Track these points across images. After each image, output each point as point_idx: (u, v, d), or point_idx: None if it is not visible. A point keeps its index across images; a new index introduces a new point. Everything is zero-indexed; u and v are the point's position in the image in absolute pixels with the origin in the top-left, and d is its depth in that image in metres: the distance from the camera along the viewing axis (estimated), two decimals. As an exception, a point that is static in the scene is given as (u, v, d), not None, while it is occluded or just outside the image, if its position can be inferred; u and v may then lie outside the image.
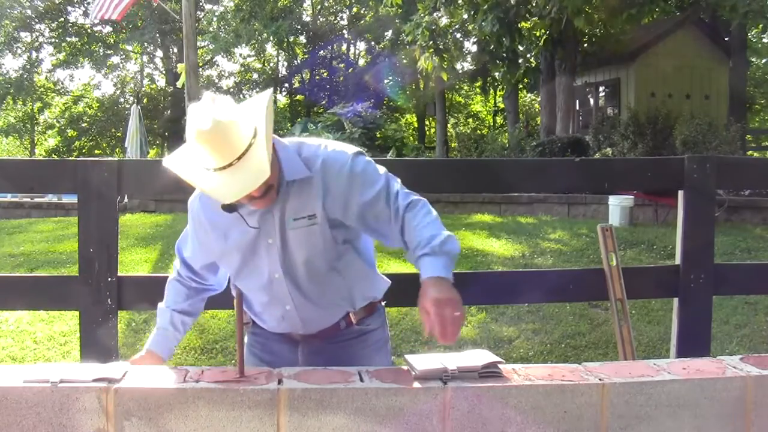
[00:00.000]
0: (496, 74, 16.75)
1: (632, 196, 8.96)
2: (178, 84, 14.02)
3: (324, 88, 24.65)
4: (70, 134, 27.43)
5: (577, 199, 10.15)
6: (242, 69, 28.88)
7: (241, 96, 27.36)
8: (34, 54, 26.79)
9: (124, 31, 25.53)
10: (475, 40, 15.10)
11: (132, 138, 13.65)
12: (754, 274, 2.99)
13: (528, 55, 15.09)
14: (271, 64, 28.15)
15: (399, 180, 1.90)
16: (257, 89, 27.15)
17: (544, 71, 14.20)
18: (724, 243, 6.99)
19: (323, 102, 22.54)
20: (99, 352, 2.39)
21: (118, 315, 2.49)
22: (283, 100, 26.68)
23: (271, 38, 22.23)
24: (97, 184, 2.44)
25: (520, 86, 18.24)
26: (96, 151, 26.34)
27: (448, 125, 23.13)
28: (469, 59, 18.44)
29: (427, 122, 25.64)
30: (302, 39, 25.55)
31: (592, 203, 10.04)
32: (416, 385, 1.55)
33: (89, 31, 26.24)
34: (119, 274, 2.48)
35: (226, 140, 1.63)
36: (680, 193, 2.69)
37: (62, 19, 25.87)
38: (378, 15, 21.51)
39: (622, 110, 14.28)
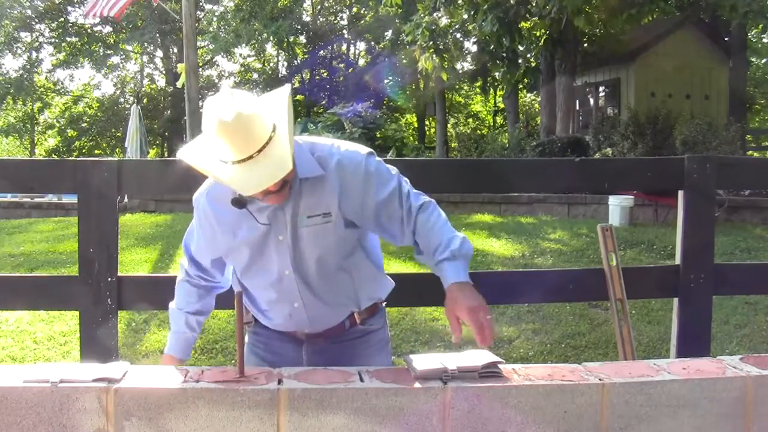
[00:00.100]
0: (496, 74, 16.76)
1: (632, 196, 8.96)
2: (178, 84, 14.03)
3: (324, 88, 24.63)
4: (70, 134, 27.45)
5: (577, 199, 10.15)
6: (242, 69, 28.89)
7: (241, 96, 27.36)
8: (34, 54, 26.83)
9: (124, 31, 25.55)
10: (475, 40, 15.09)
11: (132, 138, 13.65)
12: (754, 274, 2.98)
13: (528, 55, 15.09)
14: (271, 64, 28.16)
15: (408, 180, 1.92)
16: (257, 89, 27.15)
17: (544, 71, 14.20)
18: (724, 243, 6.99)
19: (323, 102, 22.52)
20: (99, 352, 2.39)
21: (118, 315, 2.50)
22: (282, 100, 26.63)
23: (271, 38, 22.23)
24: (97, 184, 2.44)
25: (520, 86, 18.23)
26: (96, 151, 26.35)
27: (448, 125, 23.13)
28: (469, 59, 18.45)
29: (427, 122, 25.64)
30: (302, 39, 25.55)
31: (592, 203, 10.04)
32: (416, 385, 1.55)
33: (89, 31, 26.26)
34: (119, 274, 2.48)
35: (248, 133, 1.63)
36: (680, 193, 2.69)
37: (62, 19, 25.88)
38: (378, 15, 21.52)
39: (622, 110, 14.28)
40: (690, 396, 1.57)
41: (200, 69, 21.67)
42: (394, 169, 1.90)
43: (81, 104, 28.73)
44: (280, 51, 26.38)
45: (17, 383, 1.48)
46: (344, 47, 26.42)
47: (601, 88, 16.06)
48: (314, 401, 1.50)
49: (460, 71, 18.36)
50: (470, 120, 29.22)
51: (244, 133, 1.63)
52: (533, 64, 15.17)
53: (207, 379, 1.54)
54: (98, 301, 2.43)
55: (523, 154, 13.11)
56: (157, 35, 25.04)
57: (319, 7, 25.81)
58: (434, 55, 12.86)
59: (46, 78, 28.35)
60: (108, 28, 26.52)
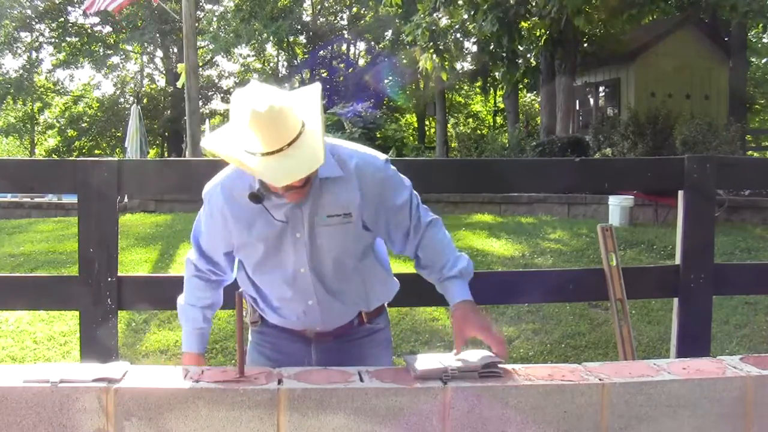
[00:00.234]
0: (496, 74, 16.76)
1: (632, 196, 8.96)
2: (178, 84, 14.02)
3: (324, 88, 24.50)
4: (70, 134, 27.44)
5: (577, 199, 10.15)
6: (242, 69, 28.88)
7: (241, 96, 27.35)
8: (34, 54, 26.81)
9: (124, 31, 25.54)
10: (475, 40, 15.10)
11: (132, 138, 13.65)
12: (754, 274, 2.98)
13: (528, 55, 15.09)
14: (271, 64, 28.14)
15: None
16: (257, 89, 27.08)
17: (544, 71, 14.20)
18: (724, 243, 6.98)
19: (323, 102, 22.46)
20: (99, 352, 2.39)
21: (118, 315, 2.49)
22: (283, 100, 26.63)
23: (271, 38, 22.22)
24: (97, 184, 2.44)
25: (520, 86, 18.24)
26: (96, 151, 26.34)
27: (448, 125, 23.13)
28: (469, 59, 18.46)
29: (427, 122, 25.64)
30: (302, 39, 25.53)
31: (592, 203, 10.04)
32: (416, 385, 1.55)
33: (89, 31, 26.26)
34: (119, 274, 2.47)
35: (280, 125, 1.65)
36: (680, 193, 2.69)
37: (62, 19, 25.86)
38: (378, 15, 21.51)
39: (622, 110, 14.28)
40: (690, 396, 1.57)
41: (200, 69, 21.64)
42: (407, 181, 1.95)
43: (81, 104, 28.72)
44: (280, 51, 26.37)
45: (17, 383, 1.48)
46: (344, 47, 26.40)
47: (601, 88, 16.06)
48: (314, 401, 1.50)
49: (460, 71, 18.37)
50: (470, 120, 29.21)
51: (276, 126, 1.64)
52: (533, 64, 15.17)
53: (207, 379, 1.54)
54: (98, 301, 2.43)
55: (523, 154, 13.11)
56: (157, 35, 25.03)
57: (319, 7, 25.80)
58: (434, 55, 12.86)
59: (46, 78, 28.35)
60: (108, 28, 26.52)
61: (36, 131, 28.80)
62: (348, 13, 26.29)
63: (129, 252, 6.77)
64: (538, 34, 13.43)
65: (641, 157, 10.37)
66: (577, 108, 16.07)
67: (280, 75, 26.66)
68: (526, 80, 16.70)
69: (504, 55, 13.56)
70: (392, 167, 1.93)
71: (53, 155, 26.66)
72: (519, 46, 13.93)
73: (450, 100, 25.46)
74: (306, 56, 25.51)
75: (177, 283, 2.66)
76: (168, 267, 6.35)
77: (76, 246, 2.45)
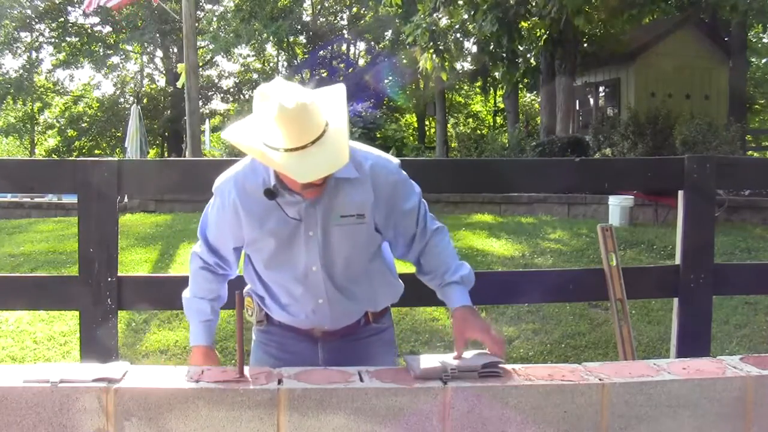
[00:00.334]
0: (496, 74, 16.76)
1: (632, 196, 8.96)
2: (178, 84, 14.03)
3: (324, 89, 24.55)
4: (70, 134, 27.44)
5: (577, 199, 10.15)
6: (242, 69, 28.88)
7: (241, 96, 27.39)
8: (34, 54, 26.81)
9: (124, 31, 25.54)
10: (475, 40, 15.10)
11: (132, 138, 13.65)
12: (754, 274, 2.98)
13: (528, 55, 15.09)
14: (271, 64, 28.14)
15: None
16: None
17: (544, 71, 14.20)
18: (724, 243, 6.98)
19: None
20: (99, 352, 2.39)
21: (118, 315, 2.49)
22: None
23: (271, 38, 22.19)
24: (97, 184, 2.44)
25: (520, 86, 18.23)
26: (96, 151, 26.34)
27: (448, 125, 23.13)
28: (469, 59, 18.46)
29: (427, 122, 25.63)
30: (302, 39, 25.52)
31: (592, 203, 10.04)
32: (416, 385, 1.55)
33: (89, 31, 26.26)
34: (119, 274, 2.48)
35: (307, 122, 1.67)
36: (680, 193, 2.69)
37: (62, 19, 25.86)
38: (378, 15, 21.50)
39: (622, 110, 14.28)
40: (690, 396, 1.57)
41: (200, 69, 21.65)
42: (417, 188, 1.98)
43: (81, 104, 28.72)
44: (280, 51, 26.34)
45: (17, 383, 1.48)
46: (344, 47, 26.40)
47: (601, 88, 16.06)
48: (314, 401, 1.50)
49: (460, 71, 18.37)
50: (470, 120, 29.20)
51: (302, 123, 1.66)
52: (533, 64, 15.17)
53: (207, 379, 1.54)
54: (98, 301, 2.43)
55: (523, 154, 13.11)
56: (157, 35, 25.03)
57: (319, 7, 25.79)
58: (434, 56, 12.87)
59: (46, 78, 28.35)
60: (108, 28, 26.53)
61: (36, 131, 28.80)
62: (348, 13, 26.29)
63: (129, 252, 6.77)
64: (538, 34, 13.43)
65: (641, 157, 10.37)
66: (577, 108, 16.07)
67: (280, 75, 26.68)
68: (526, 80, 16.69)
69: (504, 55, 13.56)
70: (404, 172, 1.95)
71: (53, 155, 26.66)
72: (519, 46, 13.93)
73: (450, 100, 25.46)
74: (306, 56, 25.49)
75: (177, 283, 2.66)
76: (168, 267, 6.36)
77: (76, 246, 2.45)
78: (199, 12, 23.36)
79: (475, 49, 17.03)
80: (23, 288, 2.62)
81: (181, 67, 13.07)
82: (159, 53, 28.06)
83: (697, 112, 12.51)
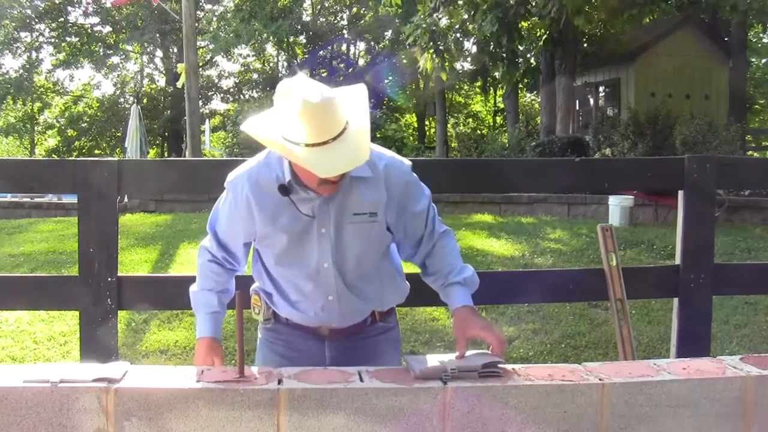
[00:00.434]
0: (496, 74, 16.77)
1: (632, 196, 8.96)
2: (178, 84, 14.04)
3: (324, 89, 24.53)
4: (70, 134, 27.44)
5: (577, 199, 10.15)
6: (242, 69, 28.88)
7: (241, 96, 27.39)
8: (34, 54, 26.81)
9: (124, 31, 25.53)
10: (475, 40, 15.10)
11: (132, 138, 13.65)
12: (754, 274, 2.98)
13: (528, 55, 15.09)
14: (271, 64, 28.14)
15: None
16: (257, 89, 27.14)
17: (544, 71, 14.20)
18: (724, 243, 6.98)
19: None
20: (99, 352, 2.39)
21: (118, 315, 2.49)
22: (283, 100, 26.65)
23: (271, 38, 22.20)
24: (97, 184, 2.44)
25: (520, 86, 18.23)
26: (96, 151, 26.34)
27: (448, 125, 23.12)
28: (469, 59, 18.45)
29: (427, 122, 25.63)
30: (302, 39, 25.52)
31: (592, 203, 10.04)
32: (416, 385, 1.55)
33: (89, 31, 26.25)
34: (119, 274, 2.48)
35: (330, 118, 1.69)
36: (680, 193, 2.69)
37: (62, 19, 25.86)
38: (378, 15, 21.50)
39: (622, 110, 14.29)
40: (690, 396, 1.57)
41: (200, 69, 21.66)
42: (427, 190, 2.00)
43: (81, 104, 28.72)
44: (280, 51, 26.35)
45: (17, 383, 1.48)
46: (344, 47, 26.40)
47: (601, 88, 16.06)
48: (314, 401, 1.50)
49: (460, 71, 18.37)
50: (470, 120, 29.19)
51: (325, 118, 1.68)
52: (533, 64, 15.17)
53: (207, 379, 1.54)
54: (98, 301, 2.43)
55: (523, 154, 13.11)
56: (157, 35, 25.03)
57: (319, 7, 25.79)
58: (434, 56, 12.87)
59: (46, 78, 28.35)
60: (108, 28, 26.52)
61: (36, 131, 28.81)
62: (348, 13, 26.28)
63: (129, 252, 6.77)
64: (538, 34, 13.43)
65: (641, 157, 10.37)
66: (577, 108, 16.07)
67: (280, 75, 26.68)
68: (526, 80, 16.70)
69: (504, 55, 13.56)
70: (415, 174, 1.97)
71: (53, 155, 26.66)
72: (519, 46, 13.94)
73: (450, 100, 25.46)
74: (306, 56, 25.50)
75: (177, 283, 2.66)
76: (168, 267, 6.36)
77: (76, 246, 2.45)
78: (199, 12, 23.36)
79: (475, 49, 17.03)
80: (23, 288, 2.62)
81: (181, 67, 13.08)
82: (159, 53, 28.07)
83: (697, 112, 12.52)
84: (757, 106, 22.39)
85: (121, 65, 28.56)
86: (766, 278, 2.90)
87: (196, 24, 17.93)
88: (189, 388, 1.50)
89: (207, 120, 20.97)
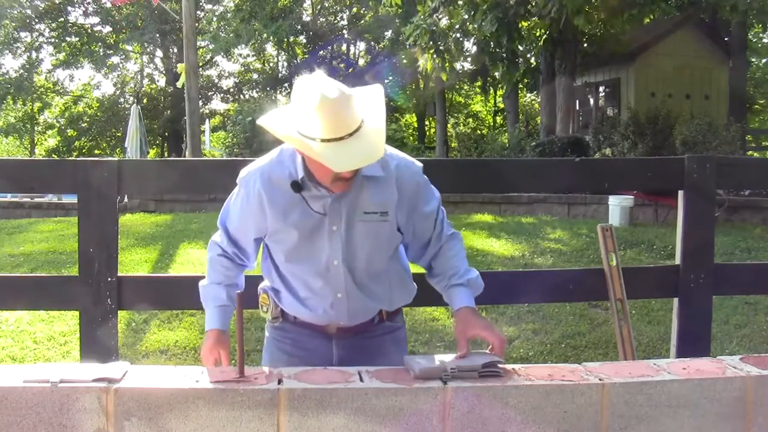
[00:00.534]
0: (496, 74, 16.77)
1: (632, 196, 8.96)
2: (178, 84, 14.02)
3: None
4: (70, 134, 27.43)
5: (577, 199, 10.15)
6: (242, 69, 28.88)
7: (241, 96, 27.39)
8: (34, 54, 26.80)
9: (124, 31, 25.53)
10: (475, 40, 15.10)
11: (132, 138, 13.65)
12: (754, 274, 2.98)
13: (528, 55, 15.09)
14: (271, 64, 28.13)
15: None
16: (257, 89, 27.14)
17: (544, 71, 14.20)
18: (724, 243, 6.98)
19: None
20: (99, 352, 2.39)
21: (118, 315, 2.49)
22: (283, 100, 26.68)
23: (271, 38, 22.20)
24: (97, 184, 2.44)
25: (520, 86, 18.23)
26: (96, 151, 26.34)
27: (448, 125, 23.13)
28: (469, 59, 18.45)
29: (427, 122, 25.63)
30: (302, 39, 25.52)
31: (592, 203, 10.04)
32: (416, 385, 1.55)
33: (89, 31, 26.25)
34: (119, 274, 2.48)
35: (347, 114, 1.71)
36: (680, 193, 2.69)
37: (62, 19, 25.86)
38: (378, 15, 21.50)
39: (622, 110, 14.28)
40: (690, 396, 1.57)
41: (200, 69, 21.65)
42: (437, 193, 2.02)
43: (81, 104, 28.70)
44: (280, 51, 26.34)
45: (17, 383, 1.48)
46: (344, 47, 26.40)
47: (601, 88, 16.06)
48: (314, 401, 1.50)
49: (460, 71, 18.36)
50: (470, 120, 29.20)
51: (342, 113, 1.70)
52: (533, 64, 15.16)
53: (207, 379, 1.54)
54: (98, 301, 2.43)
55: (523, 154, 13.11)
56: (157, 35, 25.02)
57: (319, 7, 25.79)
58: (434, 56, 12.87)
59: (46, 78, 28.34)
60: (108, 28, 26.52)
61: (36, 131, 28.79)
62: (348, 13, 26.28)
63: (129, 252, 6.77)
64: (537, 34, 13.43)
65: (641, 157, 10.37)
66: (577, 108, 16.07)
67: (280, 75, 26.69)
68: (526, 80, 16.69)
69: (504, 55, 13.56)
70: (425, 176, 1.99)
71: (53, 155, 26.65)
72: (519, 46, 13.94)
73: (450, 100, 25.46)
74: (306, 56, 25.49)
75: (177, 283, 2.66)
76: (168, 267, 6.36)
77: (76, 246, 2.45)
78: (199, 12, 23.35)
79: (475, 49, 17.03)
80: (23, 288, 2.62)
81: (181, 67, 13.07)
82: (159, 53, 28.06)
83: (697, 112, 12.52)
84: (757, 106, 22.39)
85: (121, 65, 28.58)
86: (766, 278, 2.90)
87: (196, 24, 17.93)
88: (189, 388, 1.50)
89: (207, 120, 20.97)
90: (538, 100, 17.05)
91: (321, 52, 25.13)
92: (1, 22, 24.49)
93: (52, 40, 26.36)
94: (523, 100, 24.95)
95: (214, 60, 28.00)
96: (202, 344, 1.98)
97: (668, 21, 15.63)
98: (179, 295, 2.59)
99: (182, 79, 12.70)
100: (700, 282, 2.64)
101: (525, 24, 13.01)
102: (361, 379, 1.58)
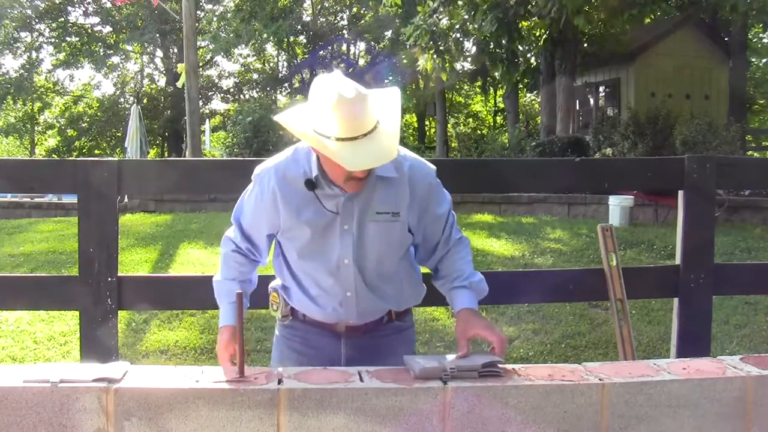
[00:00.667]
0: (496, 74, 16.77)
1: (632, 196, 8.96)
2: (178, 84, 14.03)
3: (324, 88, 24.50)
4: (70, 134, 27.43)
5: (577, 199, 10.15)
6: (242, 69, 28.87)
7: (241, 96, 27.38)
8: (34, 54, 26.80)
9: (124, 31, 25.53)
10: (475, 40, 15.10)
11: (132, 138, 13.65)
12: (754, 274, 2.98)
13: (528, 55, 15.08)
14: (271, 64, 28.13)
15: None
16: (257, 89, 27.14)
17: (544, 71, 14.20)
18: (724, 243, 6.98)
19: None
20: (99, 352, 2.39)
21: (118, 315, 2.49)
22: (283, 100, 26.68)
23: (271, 38, 22.19)
24: (97, 184, 2.44)
25: (520, 86, 18.23)
26: (96, 151, 26.34)
27: (448, 125, 23.13)
28: (469, 59, 18.45)
29: (427, 122, 25.64)
30: (302, 39, 25.52)
31: (592, 203, 10.04)
32: (416, 385, 1.55)
33: (89, 31, 26.25)
34: (119, 274, 2.48)
35: (363, 114, 1.72)
36: (680, 193, 2.69)
37: (62, 19, 25.85)
38: (378, 15, 21.50)
39: (622, 110, 14.28)
40: (690, 396, 1.57)
41: (200, 69, 21.65)
42: (449, 196, 2.04)
43: (81, 104, 28.70)
44: (280, 51, 26.34)
45: (17, 383, 1.48)
46: (344, 47, 26.40)
47: (601, 88, 16.06)
48: (314, 401, 1.50)
49: (460, 71, 18.36)
50: (470, 120, 29.20)
51: (358, 113, 1.71)
52: (533, 64, 15.16)
53: (207, 379, 1.54)
54: (98, 301, 2.43)
55: (523, 154, 13.11)
56: (157, 35, 25.01)
57: (319, 7, 25.78)
58: (435, 56, 12.87)
59: (46, 78, 28.33)
60: (108, 28, 26.52)
61: (36, 131, 28.78)
62: (348, 13, 26.28)
63: (129, 252, 6.77)
64: (537, 34, 13.43)
65: (641, 157, 10.37)
66: (577, 108, 16.07)
67: (280, 75, 26.69)
68: (526, 80, 16.69)
69: (504, 55, 13.56)
70: (438, 179, 2.00)
71: (53, 155, 26.64)
72: (519, 46, 13.93)
73: (450, 100, 25.46)
74: (306, 56, 25.50)
75: (177, 283, 2.66)
76: (168, 267, 6.35)
77: (76, 246, 2.45)
78: (199, 12, 23.34)
79: (475, 49, 17.03)
80: (23, 288, 2.62)
81: (181, 67, 13.08)
82: (159, 53, 28.05)
83: (697, 112, 12.52)
84: (757, 106, 22.38)
85: (121, 65, 28.57)
86: (766, 278, 2.90)
87: (196, 24, 17.93)
88: (189, 388, 1.50)
89: (207, 120, 20.97)
90: (538, 100, 17.05)
91: (321, 52, 25.14)
92: (1, 22, 24.49)
93: (52, 40, 26.36)
94: (523, 100, 24.95)
95: (214, 60, 27.99)
96: (217, 340, 1.98)
97: (668, 21, 15.63)
98: (179, 295, 2.59)
99: (182, 79, 12.71)
100: (700, 282, 2.64)
101: (525, 24, 13.01)
102: (361, 379, 1.58)
